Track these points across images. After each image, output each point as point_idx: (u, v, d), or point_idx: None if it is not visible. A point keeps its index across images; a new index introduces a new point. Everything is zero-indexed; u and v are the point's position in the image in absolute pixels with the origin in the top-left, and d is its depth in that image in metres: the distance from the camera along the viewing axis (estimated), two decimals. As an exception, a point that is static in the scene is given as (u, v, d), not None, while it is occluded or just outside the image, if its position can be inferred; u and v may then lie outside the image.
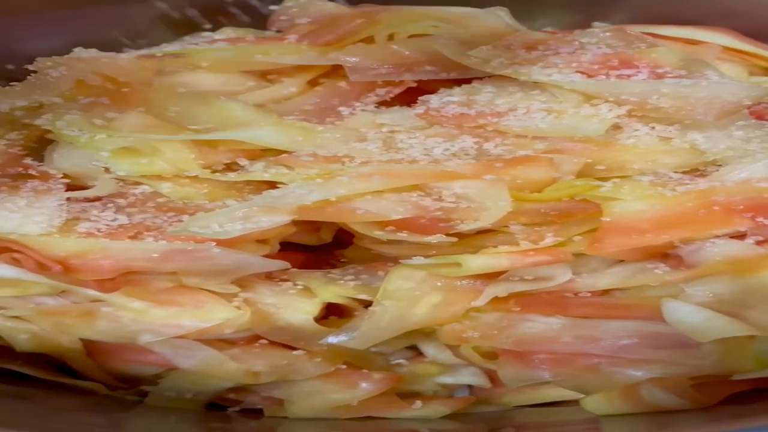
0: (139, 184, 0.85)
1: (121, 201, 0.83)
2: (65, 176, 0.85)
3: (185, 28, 1.13)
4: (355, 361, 0.77)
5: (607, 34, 1.01)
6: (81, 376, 0.78)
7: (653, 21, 1.10)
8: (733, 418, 0.72)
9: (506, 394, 0.78)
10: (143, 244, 0.77)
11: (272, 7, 1.10)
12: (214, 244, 0.76)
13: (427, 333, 0.78)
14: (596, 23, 1.13)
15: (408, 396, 0.77)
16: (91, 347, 0.77)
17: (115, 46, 1.02)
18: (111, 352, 0.77)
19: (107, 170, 0.85)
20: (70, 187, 0.84)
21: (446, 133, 0.87)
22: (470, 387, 0.79)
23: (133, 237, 0.77)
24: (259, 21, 1.11)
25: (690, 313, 0.73)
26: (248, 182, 0.84)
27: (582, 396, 0.76)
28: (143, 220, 0.80)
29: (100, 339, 0.77)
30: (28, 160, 0.87)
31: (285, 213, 0.77)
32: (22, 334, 0.77)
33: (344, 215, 0.79)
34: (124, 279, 0.76)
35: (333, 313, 0.80)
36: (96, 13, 1.13)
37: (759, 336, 0.72)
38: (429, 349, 0.78)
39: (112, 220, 0.79)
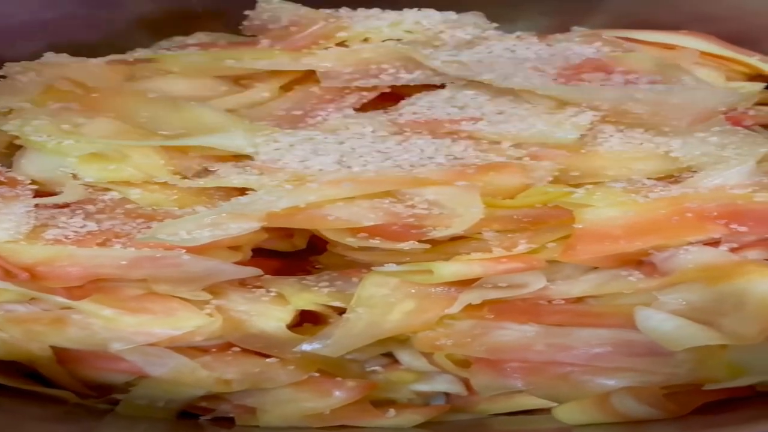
0: (109, 190, 0.85)
1: (90, 207, 0.83)
2: (33, 182, 0.85)
3: (163, 32, 1.13)
4: (330, 369, 0.77)
5: (582, 39, 1.03)
6: (52, 385, 0.78)
7: (632, 26, 1.11)
8: (706, 428, 0.73)
9: (482, 403, 0.79)
10: (111, 251, 0.77)
11: (247, 12, 1.10)
12: (184, 251, 0.77)
13: (403, 340, 0.78)
14: (575, 27, 1.15)
15: (384, 404, 0.77)
16: (62, 355, 0.77)
17: (91, 51, 1.01)
18: (82, 359, 0.77)
19: (75, 176, 0.85)
20: (38, 194, 0.84)
21: (419, 138, 0.88)
22: (447, 395, 0.80)
23: (102, 244, 0.78)
24: (236, 25, 1.11)
25: (662, 321, 0.73)
26: (219, 188, 0.85)
27: (554, 405, 0.76)
28: (112, 226, 0.80)
29: (70, 346, 0.77)
30: (-4, 166, 0.87)
31: (254, 220, 0.77)
32: (-8, 342, 0.77)
33: (314, 222, 0.79)
34: (93, 286, 0.76)
35: (308, 320, 0.80)
36: (72, 17, 1.12)
37: (732, 345, 0.72)
38: (404, 356, 0.79)
39: (81, 227, 0.80)
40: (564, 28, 1.13)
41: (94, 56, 1.00)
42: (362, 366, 0.79)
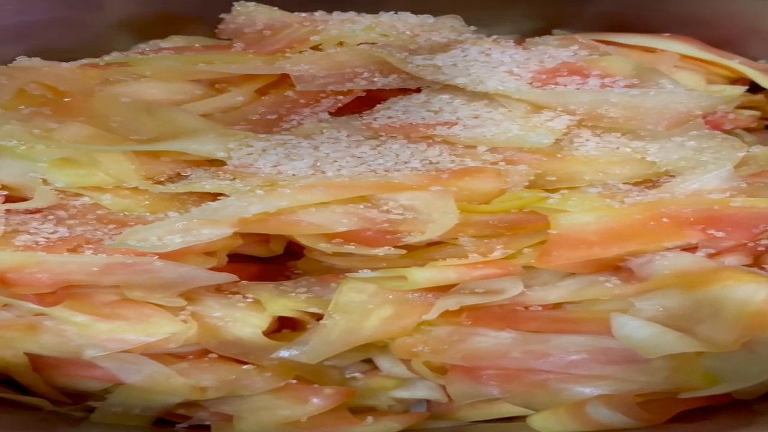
0: (80, 195, 0.86)
1: (62, 213, 0.84)
2: (4, 187, 0.86)
3: (143, 36, 1.13)
4: (308, 376, 0.78)
5: (559, 42, 1.03)
6: (26, 392, 0.79)
7: (616, 29, 1.12)
8: (681, 438, 0.74)
9: (462, 410, 0.80)
10: (82, 258, 0.78)
11: (222, 15, 1.11)
12: (157, 257, 0.77)
13: (382, 346, 0.79)
14: (556, 31, 1.16)
15: (363, 411, 0.78)
16: (36, 362, 0.78)
17: (70, 55, 1.02)
18: (56, 366, 0.78)
19: (46, 182, 0.86)
20: (8, 199, 0.85)
21: (394, 143, 0.89)
22: (428, 401, 0.81)
23: (73, 250, 0.78)
24: (215, 29, 1.12)
25: (638, 328, 0.74)
26: (191, 194, 0.85)
27: (531, 412, 0.77)
28: (83, 232, 0.81)
29: (44, 353, 0.78)
30: (-34, 171, 0.87)
31: (226, 225, 0.78)
32: (-35, 348, 0.77)
33: (287, 227, 0.80)
34: (66, 292, 0.77)
35: (287, 326, 0.81)
36: (51, 21, 1.13)
37: (709, 352, 0.73)
38: (384, 362, 0.80)
39: (52, 233, 0.80)
40: (548, 32, 1.13)
41: (73, 60, 1.00)
42: (342, 372, 0.80)
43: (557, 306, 0.80)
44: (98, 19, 1.12)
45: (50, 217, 0.84)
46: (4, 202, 0.85)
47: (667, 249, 0.79)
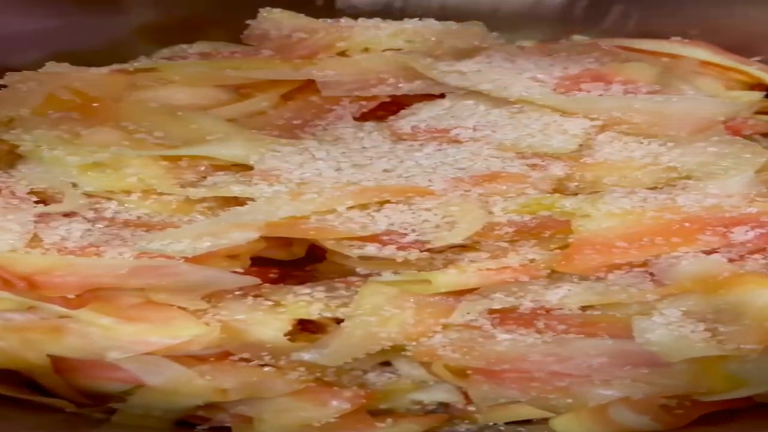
0: (108, 199, 0.85)
1: (90, 216, 0.83)
2: (33, 191, 0.85)
3: (165, 41, 1.12)
4: (329, 378, 0.76)
5: (581, 48, 1.02)
6: (49, 393, 0.77)
7: (634, 34, 1.11)
8: (704, 441, 0.72)
9: (480, 412, 0.77)
10: (110, 261, 0.76)
11: (248, 21, 1.09)
12: (182, 260, 0.76)
13: (401, 349, 0.77)
14: (575, 36, 1.14)
15: (382, 413, 0.76)
16: (59, 364, 0.76)
17: (93, 60, 1.01)
18: (79, 368, 0.76)
19: (75, 185, 0.85)
20: (38, 203, 0.84)
21: (418, 147, 0.88)
22: (446, 404, 0.78)
23: (100, 253, 0.77)
24: (238, 34, 1.11)
25: (660, 332, 0.72)
26: (218, 198, 0.84)
27: (553, 415, 0.75)
28: (111, 236, 0.79)
29: (67, 355, 0.76)
30: (-3, 175, 0.87)
31: (253, 229, 0.77)
32: (-11, 350, 0.76)
33: (313, 231, 0.79)
34: (91, 295, 0.76)
35: (307, 329, 0.79)
36: (75, 26, 1.11)
37: (730, 356, 0.71)
38: (403, 365, 0.78)
39: (80, 236, 0.79)
40: (567, 38, 1.12)
41: (97, 65, 0.99)
42: (361, 375, 0.78)
43: (579, 309, 0.77)
44: (120, 24, 1.11)
45: (78, 220, 0.82)
46: (33, 206, 0.83)
47: (688, 253, 0.77)
